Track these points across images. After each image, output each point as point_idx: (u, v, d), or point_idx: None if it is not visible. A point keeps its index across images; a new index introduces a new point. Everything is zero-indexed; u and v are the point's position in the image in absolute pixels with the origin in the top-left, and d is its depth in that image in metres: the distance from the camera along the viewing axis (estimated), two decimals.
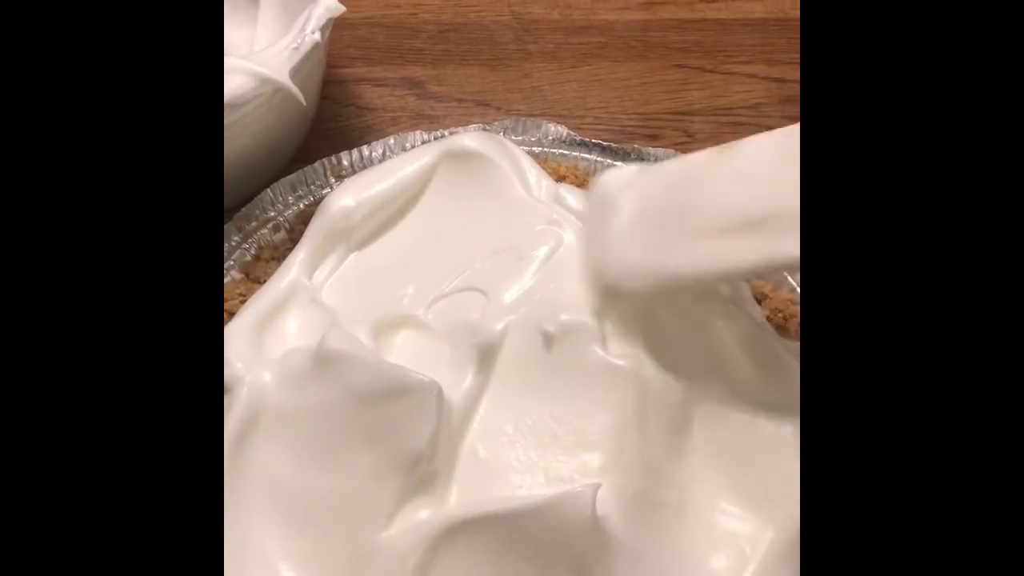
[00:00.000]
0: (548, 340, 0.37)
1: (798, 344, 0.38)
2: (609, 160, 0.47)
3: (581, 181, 0.45)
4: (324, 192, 0.45)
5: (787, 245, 0.32)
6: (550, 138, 0.48)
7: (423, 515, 0.34)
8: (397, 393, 0.34)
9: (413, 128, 0.52)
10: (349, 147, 0.48)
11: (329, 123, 0.53)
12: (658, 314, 0.38)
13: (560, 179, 0.45)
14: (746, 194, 0.34)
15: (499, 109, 0.54)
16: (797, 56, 0.54)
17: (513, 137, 0.47)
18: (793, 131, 0.33)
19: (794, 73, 0.56)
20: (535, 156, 0.46)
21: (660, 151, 0.47)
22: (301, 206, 0.45)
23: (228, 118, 0.40)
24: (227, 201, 0.47)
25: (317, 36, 0.42)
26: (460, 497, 0.35)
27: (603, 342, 0.36)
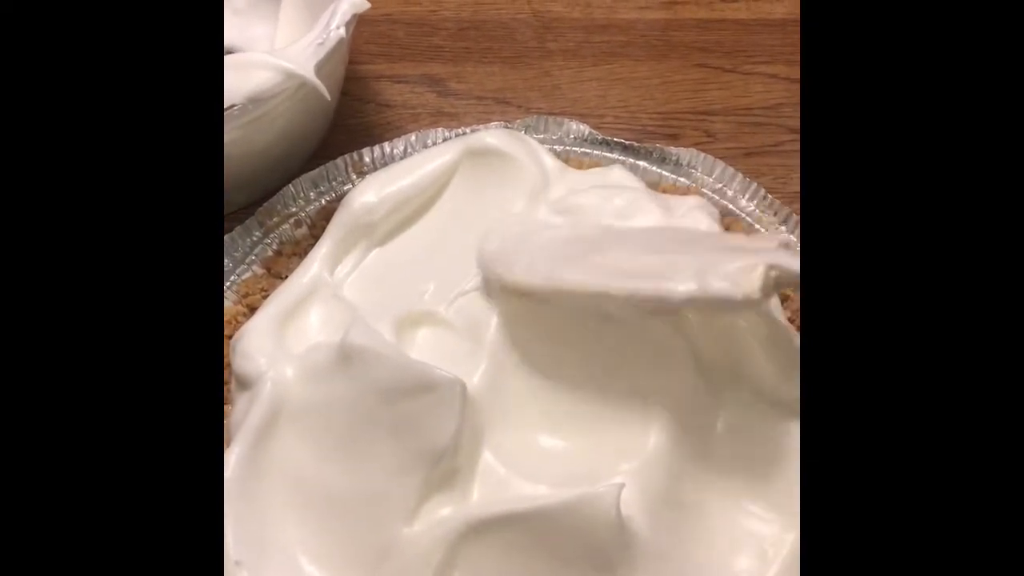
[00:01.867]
0: None
1: None
2: (631, 159, 0.47)
3: None
4: (345, 188, 0.45)
5: (680, 283, 0.32)
6: (572, 136, 0.48)
7: (446, 512, 0.34)
8: (421, 389, 0.34)
9: (433, 125, 0.52)
10: (369, 144, 0.48)
11: (349, 119, 0.53)
12: (681, 312, 0.38)
13: None
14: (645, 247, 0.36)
15: (519, 107, 0.54)
16: None
17: (535, 135, 0.47)
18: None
19: None
20: (557, 154, 0.46)
21: (682, 151, 0.47)
22: (323, 202, 0.45)
23: (252, 113, 0.40)
24: (249, 196, 0.47)
25: (342, 32, 0.42)
26: (482, 494, 0.35)
27: None
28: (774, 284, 0.32)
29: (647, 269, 0.34)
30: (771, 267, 0.31)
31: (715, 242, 0.37)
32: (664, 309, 0.35)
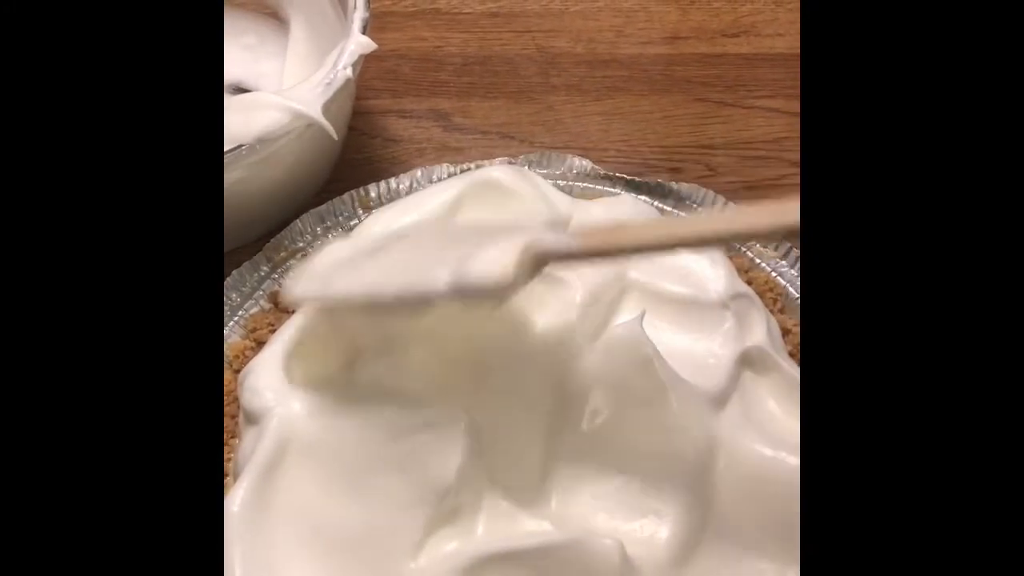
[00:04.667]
0: None
1: None
2: (633, 194, 0.48)
3: None
4: (352, 223, 0.46)
5: (434, 276, 0.31)
6: (574, 172, 0.49)
7: (451, 547, 0.34)
8: (425, 425, 0.35)
9: (438, 160, 0.53)
10: (375, 178, 0.48)
11: (356, 154, 0.54)
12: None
13: None
14: (422, 247, 0.35)
15: (523, 141, 0.55)
16: None
17: (538, 170, 0.48)
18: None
19: None
20: (559, 189, 0.47)
21: (684, 186, 0.48)
22: (330, 237, 0.46)
23: (261, 152, 0.41)
24: (256, 231, 0.48)
25: (349, 72, 0.42)
26: (487, 529, 0.35)
27: None
28: (532, 264, 0.30)
29: (415, 267, 0.33)
30: (528, 248, 0.30)
31: (501, 227, 0.34)
32: (431, 304, 0.32)
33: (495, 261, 0.30)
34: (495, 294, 0.30)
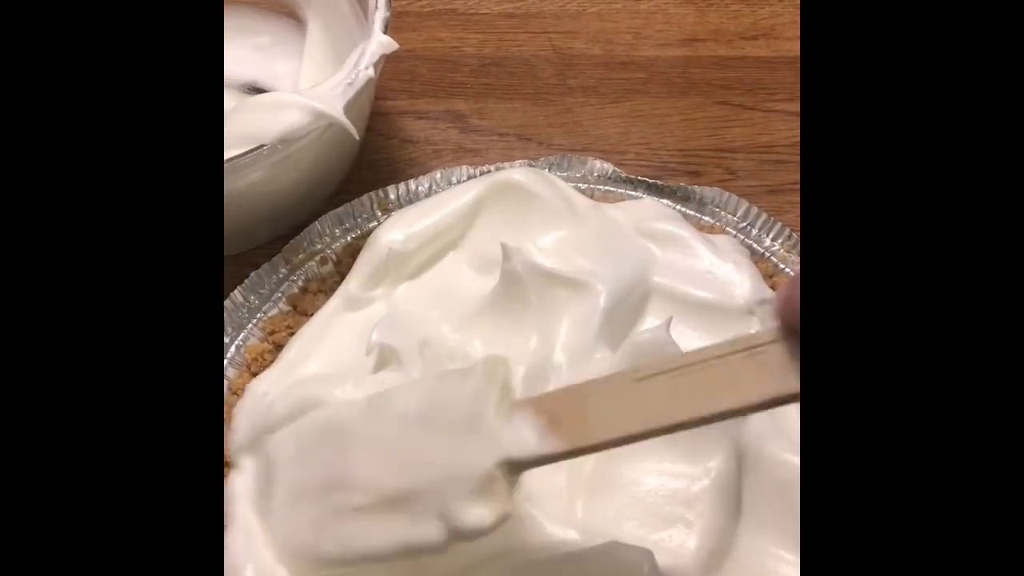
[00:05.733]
0: None
1: None
2: (655, 197, 0.47)
3: None
4: (371, 225, 0.46)
5: (426, 529, 0.30)
6: (595, 174, 0.48)
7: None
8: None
9: (456, 161, 0.52)
10: (393, 179, 0.48)
11: (373, 155, 0.53)
12: None
13: None
14: (387, 465, 0.32)
15: (540, 143, 0.55)
16: None
17: (558, 173, 0.48)
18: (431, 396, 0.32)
19: None
20: (581, 192, 0.46)
21: (706, 190, 0.47)
22: (348, 239, 0.45)
23: (282, 152, 0.40)
24: (274, 232, 0.47)
25: (371, 72, 0.42)
26: (515, 538, 0.34)
27: None
28: (512, 482, 0.30)
29: (393, 509, 0.31)
30: (503, 465, 0.29)
31: (455, 419, 0.31)
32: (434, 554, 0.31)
33: (482, 500, 0.29)
34: (492, 531, 0.30)
